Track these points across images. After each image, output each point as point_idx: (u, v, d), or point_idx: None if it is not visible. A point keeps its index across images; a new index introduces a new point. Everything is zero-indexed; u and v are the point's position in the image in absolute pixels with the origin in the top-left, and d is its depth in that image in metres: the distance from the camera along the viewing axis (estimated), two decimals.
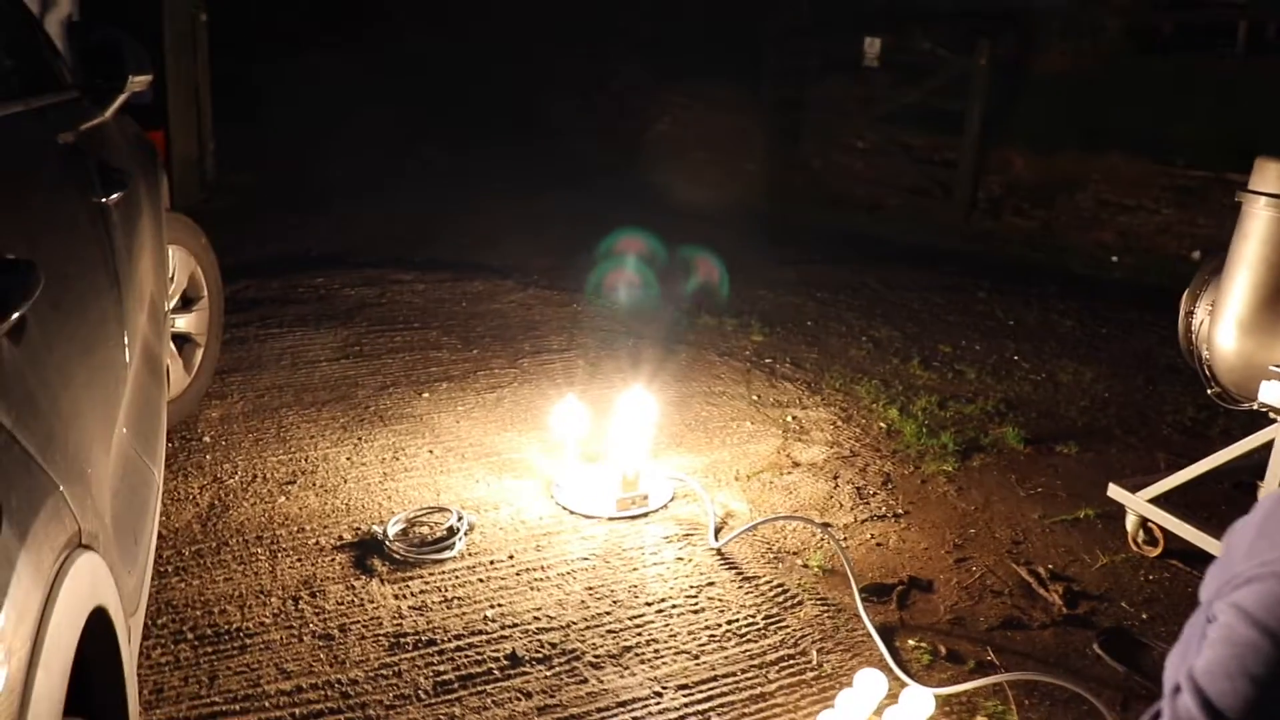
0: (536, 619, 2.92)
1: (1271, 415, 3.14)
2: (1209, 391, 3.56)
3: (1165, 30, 9.63)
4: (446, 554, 3.21)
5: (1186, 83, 8.69)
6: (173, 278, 3.84)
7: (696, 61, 10.67)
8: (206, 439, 3.98)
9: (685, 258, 7.01)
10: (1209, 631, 1.65)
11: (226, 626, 2.81)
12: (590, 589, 3.09)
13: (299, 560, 3.16)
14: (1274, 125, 7.06)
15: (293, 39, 11.99)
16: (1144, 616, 3.15)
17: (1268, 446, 3.12)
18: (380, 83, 11.43)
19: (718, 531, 3.46)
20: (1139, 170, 8.45)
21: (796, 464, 4.07)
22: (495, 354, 5.01)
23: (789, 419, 4.50)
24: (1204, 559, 3.08)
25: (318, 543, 3.26)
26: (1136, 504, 3.50)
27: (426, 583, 3.07)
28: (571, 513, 3.53)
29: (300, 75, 11.05)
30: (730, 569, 3.26)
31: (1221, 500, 3.77)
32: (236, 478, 3.67)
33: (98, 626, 1.47)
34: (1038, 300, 6.66)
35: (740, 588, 3.16)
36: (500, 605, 2.97)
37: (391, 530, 3.30)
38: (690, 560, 3.30)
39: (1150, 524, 3.50)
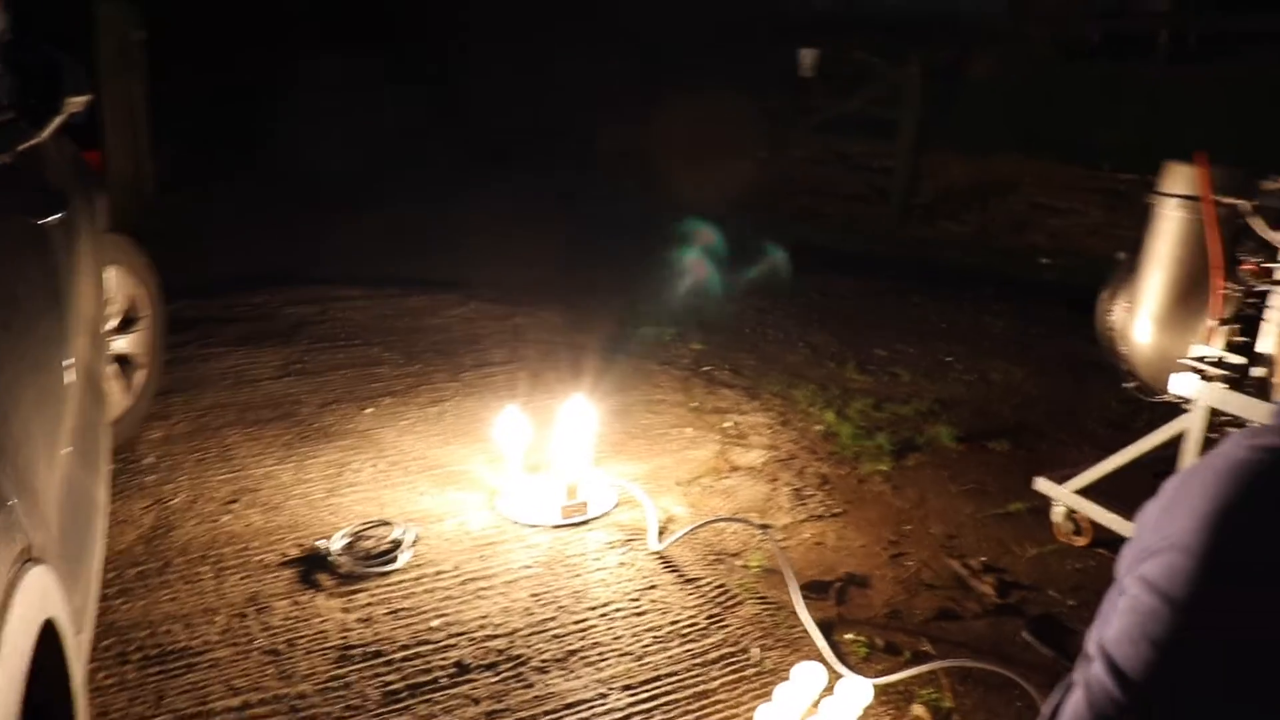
0: (482, 627, 2.97)
1: (1184, 406, 3.27)
2: (1128, 385, 3.69)
3: (1093, 39, 9.89)
4: (392, 566, 3.24)
5: (1113, 89, 8.94)
6: (113, 299, 3.84)
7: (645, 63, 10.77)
8: (149, 460, 3.98)
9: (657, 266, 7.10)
10: (1119, 604, 1.75)
11: (173, 646, 2.82)
12: (535, 596, 3.14)
13: (245, 577, 3.18)
14: (1195, 130, 7.28)
15: (238, 51, 11.87)
16: (1071, 603, 3.27)
17: (1182, 436, 3.25)
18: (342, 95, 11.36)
19: (659, 535, 3.52)
20: (1069, 174, 8.66)
21: (736, 468, 4.15)
22: (438, 368, 5.05)
23: (728, 424, 4.58)
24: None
25: (263, 560, 3.28)
26: (1063, 496, 3.62)
27: (373, 595, 3.10)
28: (515, 522, 3.58)
29: (254, 87, 10.98)
30: (672, 571, 3.33)
31: (1144, 490, 3.87)
32: (180, 498, 3.68)
33: (48, 640, 1.51)
34: (971, 303, 6.81)
35: (682, 589, 3.23)
36: (446, 615, 3.02)
37: (336, 545, 3.33)
38: (633, 564, 3.36)
39: (1076, 515, 3.62)
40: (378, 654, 2.81)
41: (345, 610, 3.02)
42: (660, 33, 11.12)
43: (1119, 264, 3.83)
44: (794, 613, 3.10)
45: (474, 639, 2.91)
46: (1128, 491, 3.51)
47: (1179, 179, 3.43)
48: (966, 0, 11.01)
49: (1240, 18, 9.50)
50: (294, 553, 3.33)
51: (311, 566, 3.24)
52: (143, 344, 4.10)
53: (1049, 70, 9.47)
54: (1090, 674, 1.70)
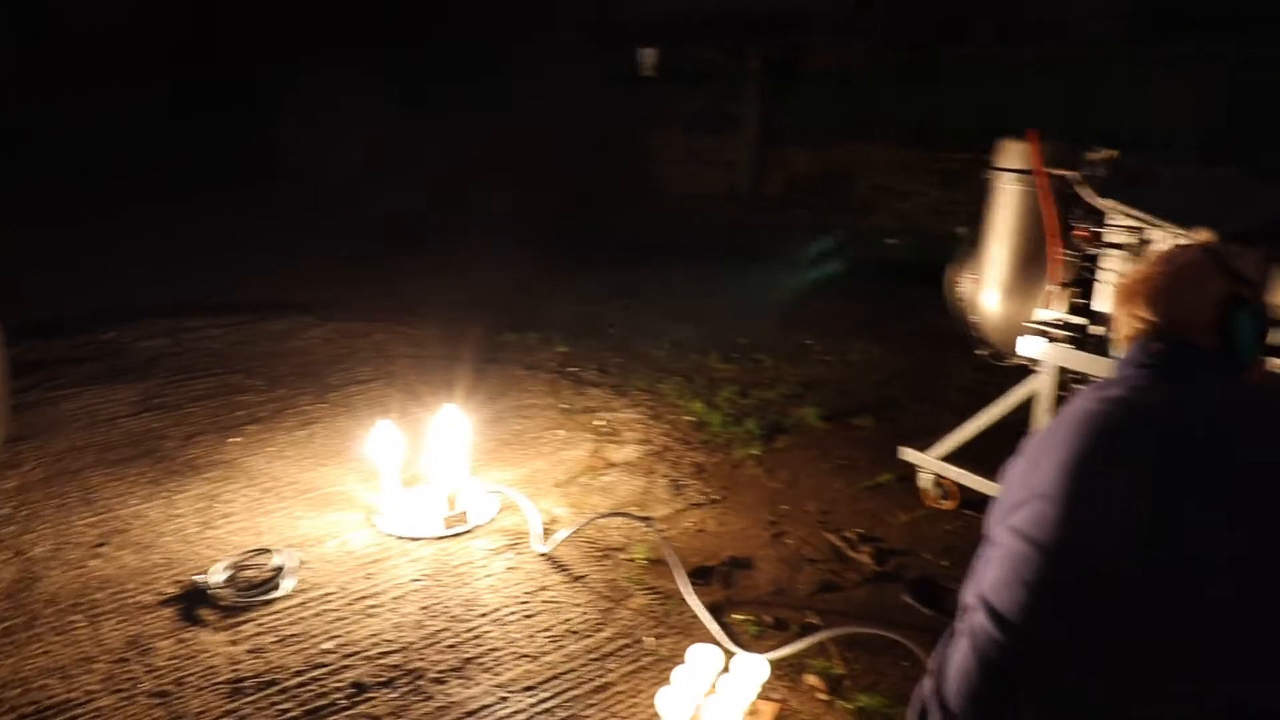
0: (376, 644, 2.94)
1: (1033, 368, 3.45)
2: (980, 352, 3.87)
3: (920, 26, 10.28)
4: (276, 594, 3.19)
5: (941, 73, 9.31)
6: None
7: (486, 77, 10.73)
8: (4, 511, 3.81)
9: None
10: (991, 555, 1.86)
11: (50, 701, 2.72)
12: (425, 608, 3.13)
13: (122, 621, 3.08)
14: (1018, 107, 7.62)
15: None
16: (945, 564, 3.41)
17: (1034, 396, 3.43)
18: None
19: (543, 537, 3.55)
20: (907, 157, 8.99)
21: (612, 464, 4.20)
22: (302, 391, 4.96)
23: (599, 423, 4.63)
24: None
25: (140, 601, 3.19)
26: (927, 463, 3.78)
27: (260, 624, 3.05)
28: (398, 537, 3.56)
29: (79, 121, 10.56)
30: (560, 571, 3.36)
31: (1003, 451, 4.07)
32: (42, 547, 3.54)
33: None
34: (824, 286, 7.00)
35: (571, 588, 3.26)
36: (338, 636, 2.98)
37: (216, 578, 3.25)
38: (520, 568, 3.38)
39: (942, 480, 3.78)
40: (271, 683, 2.77)
41: (233, 643, 2.96)
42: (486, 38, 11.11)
43: (962, 239, 4.01)
44: (683, 600, 3.16)
45: (368, 657, 2.89)
46: (989, 453, 3.68)
47: (1013, 155, 3.62)
48: None
49: (1057, 2, 10.00)
50: (172, 590, 3.24)
51: (192, 602, 3.16)
52: None
53: (882, 58, 9.81)
54: (972, 622, 1.81)
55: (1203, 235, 2.31)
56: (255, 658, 2.89)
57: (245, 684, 2.76)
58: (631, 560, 3.43)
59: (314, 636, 2.99)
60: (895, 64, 9.59)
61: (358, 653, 2.91)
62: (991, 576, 1.82)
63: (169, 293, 6.70)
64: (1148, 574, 1.68)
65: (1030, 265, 3.59)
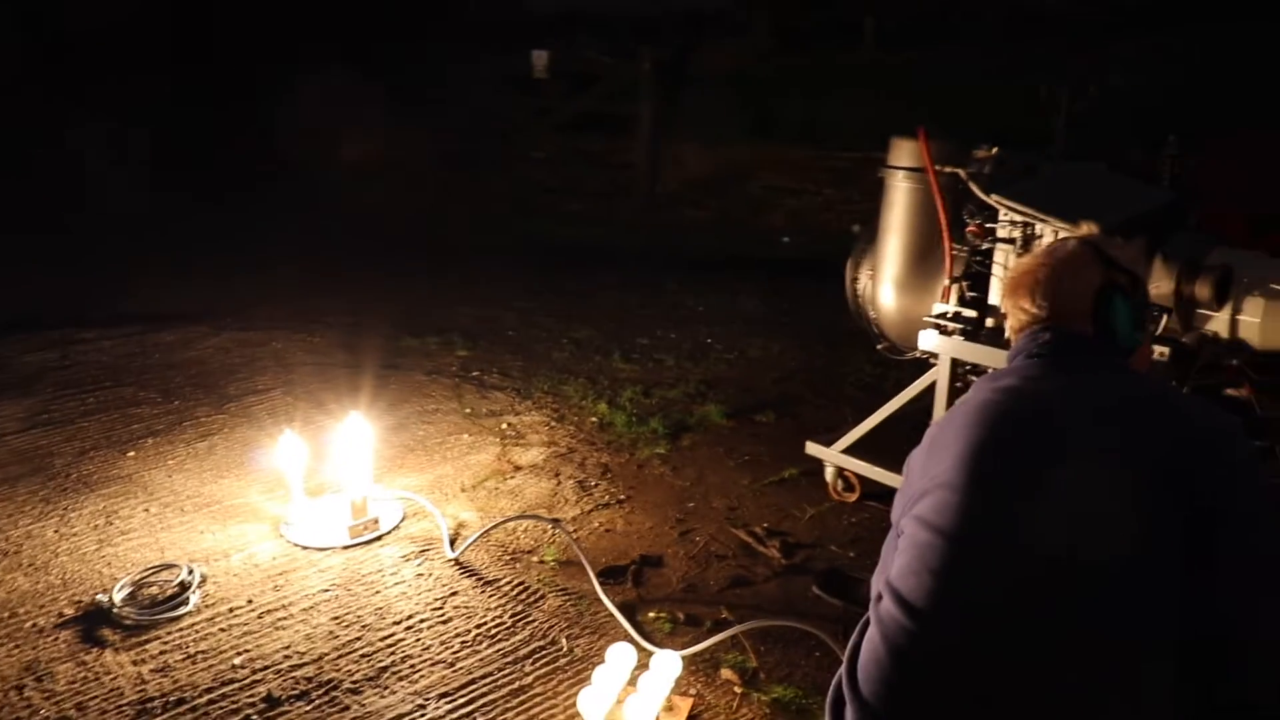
0: (287, 657, 2.91)
1: (931, 361, 3.55)
2: (879, 347, 3.97)
3: (808, 27, 10.48)
4: (181, 610, 3.12)
5: (830, 73, 9.49)
6: None
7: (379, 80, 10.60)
8: None
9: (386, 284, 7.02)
10: (897, 544, 1.92)
11: None
12: (336, 618, 3.10)
13: (16, 647, 2.98)
14: (902, 107, 7.80)
15: None
16: (852, 555, 3.50)
17: (932, 388, 3.52)
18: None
19: (453, 543, 3.53)
20: (800, 156, 9.13)
21: (518, 468, 4.20)
22: (199, 402, 4.85)
23: (504, 426, 4.62)
24: (894, 495, 3.44)
25: (35, 625, 3.09)
26: (831, 457, 3.86)
27: (165, 643, 2.98)
28: (305, 548, 3.52)
29: None
30: (471, 576, 3.35)
31: (904, 442, 4.17)
32: None
33: None
34: (722, 285, 7.08)
35: (483, 592, 3.26)
36: (247, 650, 2.94)
37: (118, 596, 3.17)
38: (430, 574, 3.37)
39: (846, 473, 3.86)
40: (180, 702, 2.71)
41: (137, 663, 2.89)
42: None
43: (858, 235, 4.10)
44: (596, 600, 3.18)
45: (280, 671, 2.85)
46: (890, 445, 3.79)
47: (904, 153, 3.71)
48: None
49: (935, 1, 10.29)
50: (71, 612, 3.15)
51: (93, 623, 3.08)
52: None
53: (771, 59, 9.96)
54: (880, 609, 1.86)
55: (1087, 228, 2.40)
56: (162, 677, 2.83)
57: (152, 705, 2.71)
58: (542, 562, 3.44)
59: (223, 652, 2.94)
60: (786, 65, 9.75)
61: (269, 666, 2.87)
62: (898, 565, 1.88)
63: (60, 304, 6.49)
64: (1041, 559, 1.75)
65: (924, 261, 3.69)
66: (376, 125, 10.87)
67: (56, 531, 3.65)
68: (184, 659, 2.91)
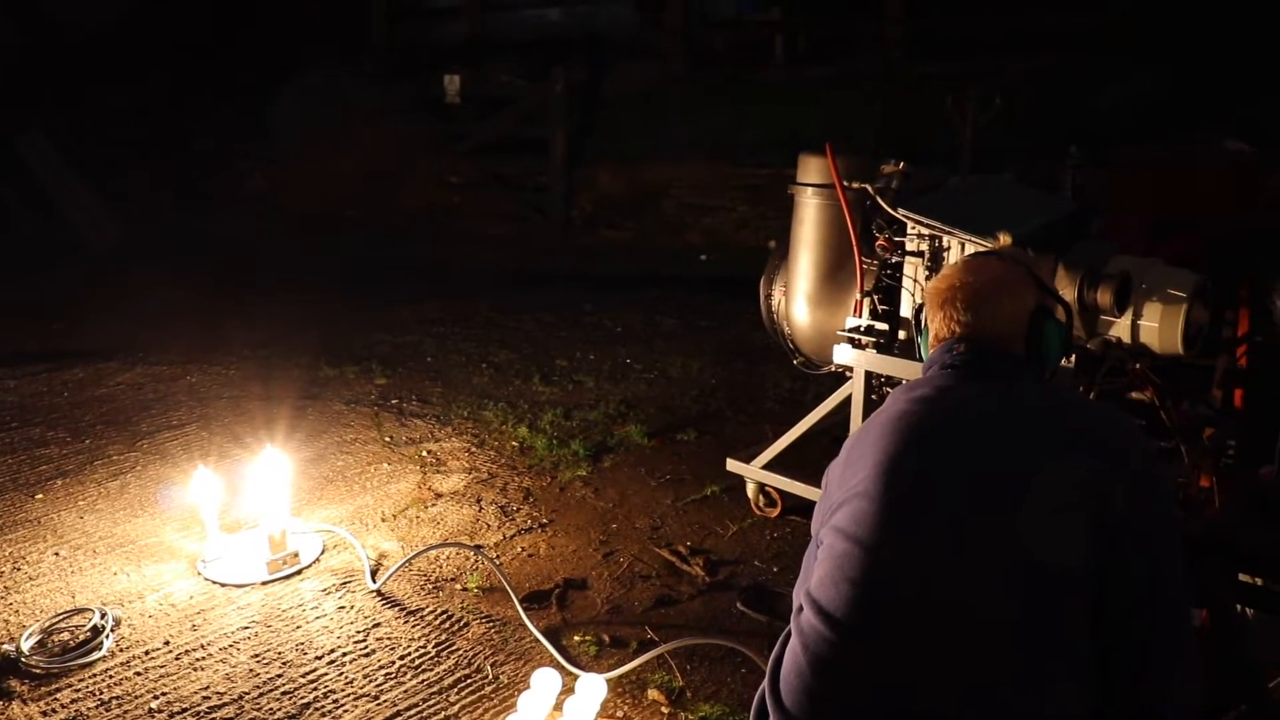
0: (206, 698, 2.84)
1: (847, 374, 3.60)
2: (795, 362, 4.01)
3: (718, 48, 10.58)
4: (94, 655, 3.04)
5: (740, 92, 9.58)
6: None
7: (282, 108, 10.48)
8: None
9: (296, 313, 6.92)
10: (816, 555, 1.94)
11: None
12: (256, 656, 3.04)
13: None
14: (815, 124, 7.92)
15: None
16: (775, 570, 3.52)
17: (848, 401, 3.57)
18: None
19: (374, 573, 3.49)
20: (713, 174, 9.18)
21: (439, 495, 4.17)
22: (111, 440, 4.74)
23: (424, 453, 4.58)
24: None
25: None
26: (752, 473, 3.88)
27: (77, 690, 2.90)
28: (222, 585, 3.44)
29: None
30: (393, 607, 3.31)
31: (824, 455, 4.21)
32: None
33: None
34: (640, 305, 7.10)
35: (406, 622, 3.22)
36: (165, 694, 2.87)
37: (26, 644, 3.07)
38: (352, 606, 3.32)
39: (767, 488, 3.89)
40: None
41: (47, 713, 2.80)
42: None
43: (772, 252, 4.14)
44: (521, 625, 3.16)
45: (199, 713, 2.78)
46: (809, 459, 3.83)
47: (812, 169, 3.77)
48: (600, 19, 11.45)
49: (841, 22, 10.46)
50: None
51: None
52: None
53: (683, 79, 10.03)
54: (801, 620, 1.88)
55: (1004, 240, 2.45)
56: None
57: None
58: (465, 590, 3.41)
59: (139, 697, 2.86)
60: (696, 84, 9.82)
61: (187, 709, 2.80)
62: (817, 575, 1.90)
63: None
64: (957, 570, 1.78)
65: (836, 275, 3.74)
66: (284, 154, 10.77)
67: None
68: (97, 706, 2.83)
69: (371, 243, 9.57)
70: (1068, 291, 2.97)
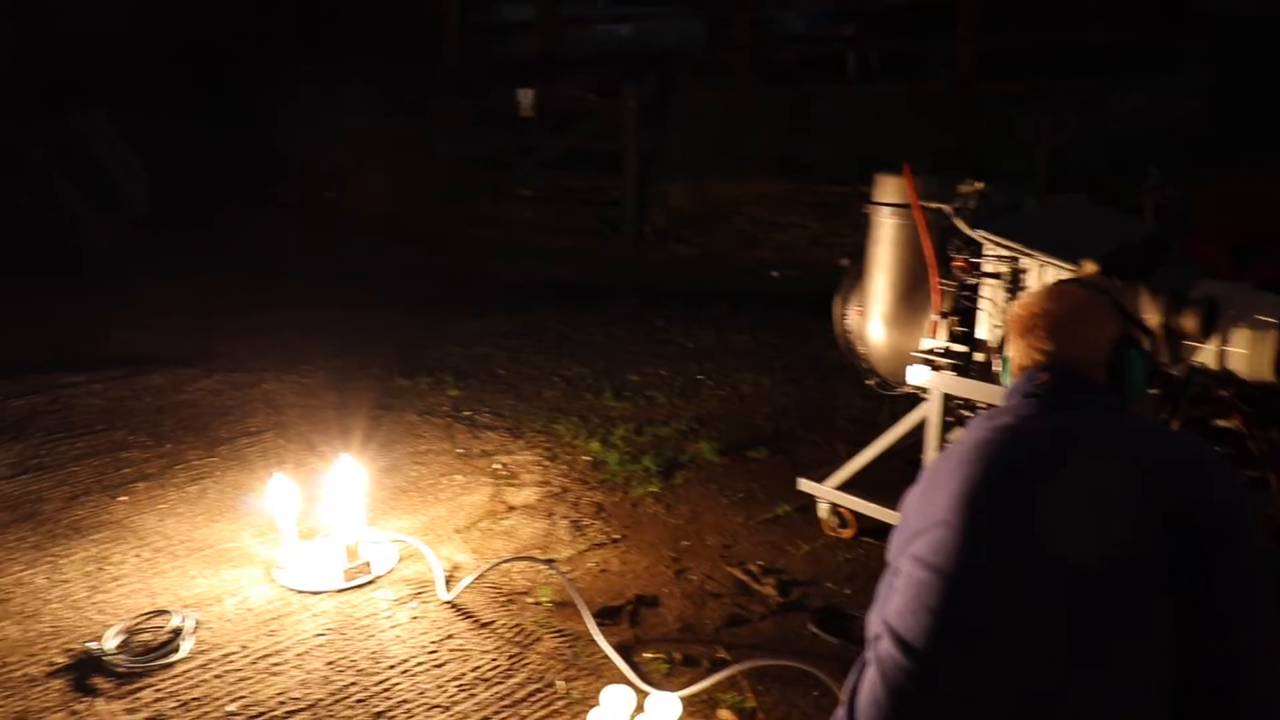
0: (282, 703, 2.89)
1: (921, 395, 3.57)
2: (870, 382, 3.99)
3: (789, 64, 10.57)
4: (174, 657, 3.11)
5: (812, 108, 9.57)
6: None
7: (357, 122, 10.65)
8: None
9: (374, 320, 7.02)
10: (894, 583, 1.93)
11: None
12: (331, 663, 3.09)
13: (7, 697, 2.96)
14: (887, 142, 7.87)
15: None
16: (848, 592, 3.50)
17: (924, 423, 3.54)
18: None
19: (447, 585, 3.52)
20: (785, 190, 9.17)
21: (512, 508, 4.20)
22: (190, 445, 4.84)
23: (497, 466, 4.62)
24: (889, 531, 3.44)
25: (26, 674, 3.07)
26: (825, 493, 3.86)
27: (159, 690, 2.96)
28: (298, 592, 3.50)
29: None
30: (466, 619, 3.34)
31: (897, 477, 4.19)
32: None
33: None
34: (711, 321, 7.09)
35: (478, 635, 3.25)
36: (242, 697, 2.92)
37: (110, 644, 3.15)
38: (425, 617, 3.36)
39: (840, 509, 3.87)
40: None
41: (130, 711, 2.87)
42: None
43: (847, 270, 4.13)
44: (592, 641, 3.17)
45: (275, 717, 2.83)
46: (883, 480, 3.81)
47: (889, 189, 3.75)
48: (670, 35, 11.51)
49: (913, 39, 10.41)
50: (62, 660, 3.12)
51: (85, 671, 3.06)
52: None
53: (752, 95, 10.03)
54: (879, 649, 1.87)
55: (1087, 267, 2.43)
56: None
57: None
58: (537, 604, 3.43)
59: (217, 699, 2.92)
60: (767, 100, 9.82)
61: (264, 713, 2.85)
62: (896, 604, 1.89)
63: (48, 346, 6.48)
64: (1040, 600, 1.76)
65: (912, 296, 3.71)
66: (354, 164, 10.92)
67: (48, 578, 3.63)
68: (177, 707, 2.89)
69: (442, 254, 9.67)
70: (1152, 317, 2.93)
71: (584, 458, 4.69)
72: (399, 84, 11.04)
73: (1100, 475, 1.85)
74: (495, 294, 8.08)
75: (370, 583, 3.56)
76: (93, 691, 2.97)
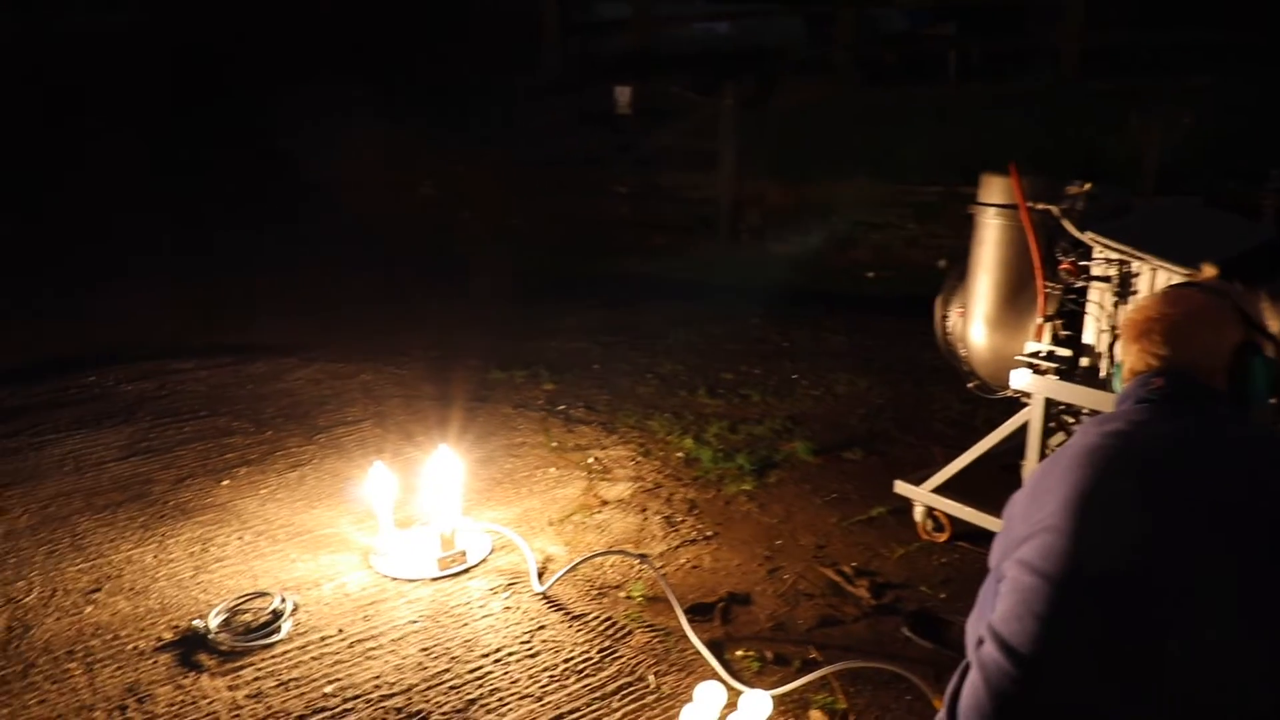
0: (377, 687, 2.94)
1: (1023, 400, 3.50)
2: (970, 385, 3.92)
3: (888, 62, 10.45)
4: (274, 637, 3.18)
5: (911, 107, 9.44)
6: None
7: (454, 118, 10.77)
8: None
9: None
10: (1000, 589, 1.89)
11: None
12: (425, 650, 3.13)
13: (119, 668, 3.07)
14: (987, 141, 7.74)
15: None
16: (942, 596, 3.44)
17: (1025, 428, 3.47)
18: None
19: (540, 576, 3.55)
20: (883, 191, 9.06)
21: (605, 502, 4.21)
22: (290, 433, 4.95)
23: (590, 460, 4.64)
24: (986, 536, 3.38)
25: (136, 647, 3.17)
26: (921, 496, 3.81)
27: (259, 669, 3.04)
28: (394, 579, 3.56)
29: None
30: (558, 610, 3.36)
31: (994, 482, 4.12)
32: (34, 595, 3.52)
33: None
34: (807, 320, 7.04)
35: (570, 626, 3.27)
36: (338, 679, 2.98)
37: (214, 622, 3.24)
38: (518, 608, 3.39)
39: (936, 512, 3.81)
40: None
41: (232, 688, 2.95)
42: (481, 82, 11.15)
43: (947, 272, 4.06)
44: (683, 637, 3.17)
45: (370, 700, 2.88)
46: (978, 485, 3.74)
47: (995, 189, 3.68)
48: (768, 33, 11.45)
49: (1016, 36, 10.22)
50: (169, 636, 3.23)
51: (190, 647, 3.15)
52: None
53: (851, 93, 9.93)
54: (982, 654, 1.83)
55: (1208, 272, 2.36)
56: (256, 703, 2.88)
57: None
58: (629, 598, 3.44)
59: (314, 680, 2.98)
60: (866, 98, 9.73)
61: (359, 696, 2.90)
62: (1001, 609, 1.85)
63: (144, 334, 6.67)
64: (1148, 606, 1.71)
65: (1017, 298, 3.64)
66: (451, 162, 11.04)
67: (155, 557, 3.74)
68: (277, 686, 2.95)
69: (536, 250, 9.74)
70: (1275, 324, 2.83)
71: (677, 454, 4.68)
72: (496, 82, 11.16)
73: (1216, 483, 1.80)
74: (590, 290, 8.11)
75: (464, 572, 3.61)
76: (197, 667, 3.05)
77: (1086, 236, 3.28)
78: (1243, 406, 2.00)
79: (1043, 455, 3.39)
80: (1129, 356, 2.08)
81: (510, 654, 3.12)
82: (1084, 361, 3.40)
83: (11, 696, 2.95)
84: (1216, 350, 2.00)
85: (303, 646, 3.15)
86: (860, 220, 9.06)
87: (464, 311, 7.39)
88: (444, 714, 2.82)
